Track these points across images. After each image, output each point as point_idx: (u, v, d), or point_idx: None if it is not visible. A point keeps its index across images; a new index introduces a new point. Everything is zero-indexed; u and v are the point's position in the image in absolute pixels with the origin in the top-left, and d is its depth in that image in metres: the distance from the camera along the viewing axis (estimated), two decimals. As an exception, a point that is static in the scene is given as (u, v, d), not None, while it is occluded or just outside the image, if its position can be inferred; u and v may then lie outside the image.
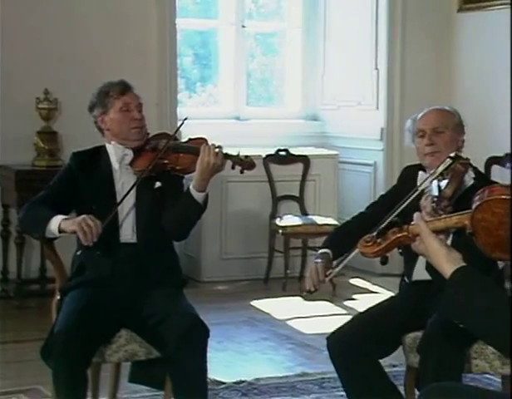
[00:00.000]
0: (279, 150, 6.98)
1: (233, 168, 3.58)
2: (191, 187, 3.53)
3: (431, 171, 3.44)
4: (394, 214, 3.22)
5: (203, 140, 3.64)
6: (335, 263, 3.50)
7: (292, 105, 7.89)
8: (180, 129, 6.60)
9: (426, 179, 3.39)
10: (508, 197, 2.25)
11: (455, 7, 7.06)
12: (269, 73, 8.20)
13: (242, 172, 3.62)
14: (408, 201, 3.31)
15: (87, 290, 3.50)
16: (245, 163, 3.60)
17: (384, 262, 2.58)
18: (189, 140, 3.71)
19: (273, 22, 8.06)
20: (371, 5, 7.17)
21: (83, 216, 3.41)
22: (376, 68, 7.20)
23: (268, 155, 6.91)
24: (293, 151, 7.03)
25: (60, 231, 3.45)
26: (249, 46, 7.88)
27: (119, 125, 3.63)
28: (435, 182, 3.32)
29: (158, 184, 3.62)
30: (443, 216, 2.42)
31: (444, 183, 3.30)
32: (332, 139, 7.60)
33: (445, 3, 7.09)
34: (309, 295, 3.46)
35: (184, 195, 3.56)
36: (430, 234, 2.31)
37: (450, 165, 3.33)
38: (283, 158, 6.98)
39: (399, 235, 2.40)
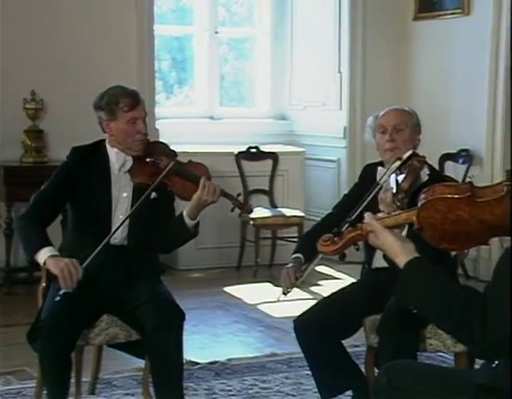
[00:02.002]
0: (250, 148, 6.99)
1: (232, 210, 3.53)
2: (184, 214, 3.47)
3: (396, 164, 3.45)
4: (359, 210, 3.24)
5: (204, 169, 3.55)
6: (305, 266, 3.54)
7: (262, 105, 7.89)
8: (159, 128, 6.63)
9: (385, 174, 3.40)
10: (449, 196, 2.26)
11: (410, 16, 7.09)
12: (241, 76, 8.19)
13: (240, 216, 3.58)
14: (371, 196, 3.33)
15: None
16: (244, 208, 3.58)
17: (342, 258, 2.58)
18: (189, 162, 3.60)
19: (244, 28, 8.05)
20: (334, 13, 7.19)
21: (66, 261, 3.27)
22: (340, 72, 7.22)
23: (239, 152, 6.92)
24: (263, 148, 7.04)
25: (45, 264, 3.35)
26: (223, 50, 7.87)
27: (124, 136, 3.50)
28: (393, 176, 3.34)
29: (153, 195, 3.50)
30: (393, 214, 2.42)
31: (401, 177, 3.32)
32: (299, 137, 7.61)
33: (401, 12, 7.11)
34: (286, 294, 3.48)
35: (177, 221, 3.50)
36: (384, 230, 2.31)
37: (407, 160, 3.35)
38: (253, 154, 6.98)
39: (354, 234, 2.40)
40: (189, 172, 3.52)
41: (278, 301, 3.35)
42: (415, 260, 2.24)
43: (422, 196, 2.30)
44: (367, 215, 2.37)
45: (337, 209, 3.75)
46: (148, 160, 3.53)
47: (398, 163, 3.34)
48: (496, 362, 2.20)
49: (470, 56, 6.57)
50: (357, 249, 2.50)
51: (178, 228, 3.50)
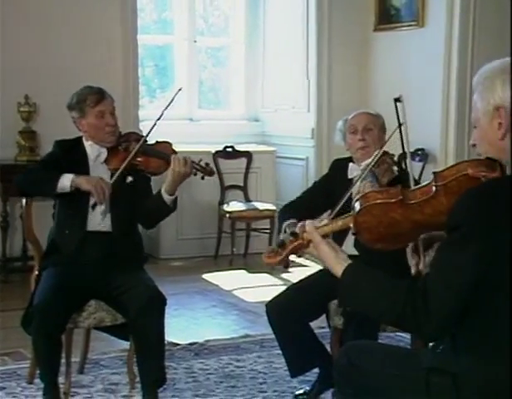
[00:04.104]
0: (226, 147, 6.98)
1: (195, 174, 3.53)
2: (162, 191, 3.47)
3: (367, 161, 3.45)
4: (340, 205, 3.26)
5: (169, 145, 3.58)
6: None
7: (237, 108, 7.88)
8: (143, 129, 6.59)
9: (366, 170, 3.37)
10: (382, 201, 2.24)
11: (371, 27, 7.10)
12: (218, 81, 8.18)
13: (203, 178, 3.58)
14: (349, 192, 3.34)
15: (62, 267, 3.45)
16: (206, 170, 3.56)
17: (286, 266, 2.54)
18: (157, 142, 3.62)
19: (220, 38, 8.03)
20: (302, 25, 7.19)
21: (97, 178, 3.39)
22: (308, 78, 7.22)
23: (216, 151, 6.91)
24: (238, 148, 7.03)
25: (71, 186, 3.37)
26: (201, 58, 7.85)
27: (95, 130, 3.52)
28: (369, 173, 3.35)
29: (130, 178, 3.54)
30: (330, 222, 2.37)
31: (378, 173, 3.33)
32: (271, 137, 7.61)
33: (363, 24, 7.13)
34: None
35: (156, 197, 3.51)
36: (321, 241, 2.26)
37: (381, 156, 3.36)
38: (229, 153, 6.98)
39: (295, 244, 2.34)
40: (156, 150, 3.56)
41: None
42: (350, 267, 2.20)
43: (357, 203, 2.27)
44: (308, 224, 2.31)
45: (307, 194, 3.77)
46: (120, 147, 3.57)
47: (372, 159, 3.34)
48: (441, 347, 2.21)
49: (425, 64, 6.60)
50: (300, 256, 2.43)
51: (157, 205, 3.50)
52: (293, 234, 2.35)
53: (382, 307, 2.11)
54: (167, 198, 3.47)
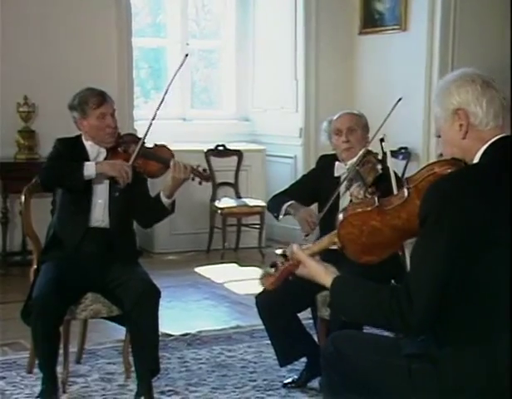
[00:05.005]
0: (218, 146, 6.98)
1: (192, 179, 3.53)
2: (161, 194, 3.49)
3: (352, 161, 3.46)
4: (333, 197, 3.28)
5: (167, 149, 3.58)
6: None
7: (228, 108, 7.87)
8: (137, 128, 6.59)
9: (351, 169, 3.39)
10: (360, 210, 2.28)
11: (356, 31, 7.11)
12: (210, 82, 8.17)
13: (200, 184, 3.58)
14: (336, 193, 3.34)
15: (60, 262, 3.45)
16: (204, 176, 3.56)
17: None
18: (155, 145, 3.63)
19: (212, 41, 8.02)
20: (290, 28, 7.18)
21: (119, 163, 3.42)
22: (296, 79, 7.22)
23: (208, 150, 6.91)
24: (229, 146, 7.03)
25: (96, 173, 3.40)
26: (194, 60, 7.84)
27: (96, 131, 3.51)
28: (355, 172, 3.36)
29: None
30: (316, 242, 2.40)
31: (363, 172, 3.35)
32: (261, 136, 7.61)
33: (348, 27, 7.13)
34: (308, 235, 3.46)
35: (155, 201, 3.52)
36: (309, 258, 2.32)
37: (365, 156, 3.38)
38: (220, 152, 6.98)
39: (286, 265, 2.38)
40: (155, 153, 3.57)
41: (306, 239, 3.34)
42: (337, 279, 2.25)
43: (339, 216, 2.31)
44: (295, 247, 2.36)
45: (295, 186, 3.79)
46: (119, 148, 3.57)
47: (357, 158, 3.36)
48: (422, 337, 2.23)
49: (408, 66, 6.62)
50: (291, 279, 2.45)
51: (155, 207, 3.51)
52: (283, 256, 2.38)
53: (370, 309, 2.14)
54: (165, 201, 3.49)
